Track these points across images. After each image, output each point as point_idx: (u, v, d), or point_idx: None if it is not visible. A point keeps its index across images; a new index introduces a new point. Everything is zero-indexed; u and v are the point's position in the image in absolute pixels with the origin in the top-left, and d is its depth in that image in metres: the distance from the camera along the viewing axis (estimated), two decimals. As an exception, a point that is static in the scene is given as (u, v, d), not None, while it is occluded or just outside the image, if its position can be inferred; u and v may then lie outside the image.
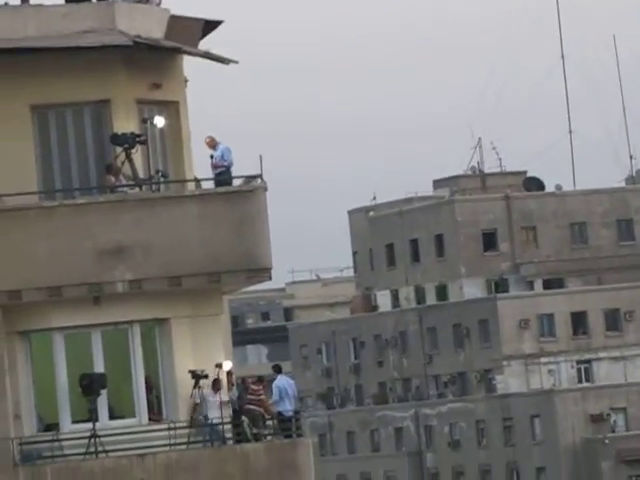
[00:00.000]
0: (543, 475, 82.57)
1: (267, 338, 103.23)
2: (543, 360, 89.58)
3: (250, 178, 17.55)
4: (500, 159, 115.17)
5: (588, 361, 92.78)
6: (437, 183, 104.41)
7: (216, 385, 17.47)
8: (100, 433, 15.98)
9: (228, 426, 17.13)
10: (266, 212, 17.51)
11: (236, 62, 19.33)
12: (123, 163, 16.85)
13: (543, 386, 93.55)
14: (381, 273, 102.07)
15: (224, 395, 17.10)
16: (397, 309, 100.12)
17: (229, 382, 18.08)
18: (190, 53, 18.53)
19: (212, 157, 18.48)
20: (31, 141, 16.71)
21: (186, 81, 19.61)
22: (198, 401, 16.42)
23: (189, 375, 16.79)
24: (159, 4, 19.02)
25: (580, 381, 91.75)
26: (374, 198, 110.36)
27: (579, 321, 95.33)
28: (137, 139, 16.69)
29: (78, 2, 17.86)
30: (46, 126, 17.23)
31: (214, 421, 16.67)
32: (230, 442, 17.02)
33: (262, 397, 19.26)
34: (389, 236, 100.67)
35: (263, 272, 17.65)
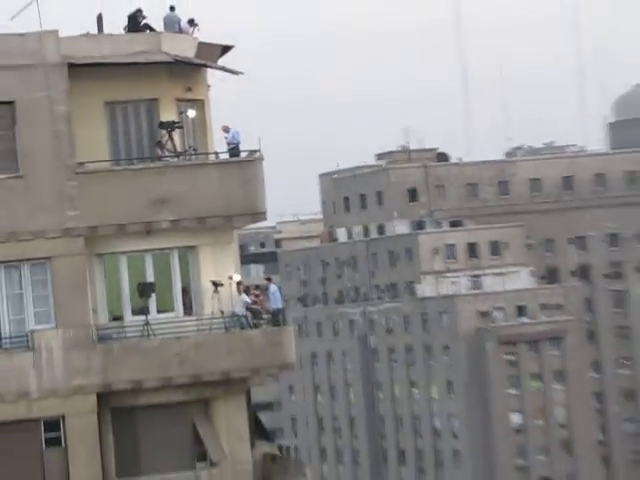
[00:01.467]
0: (448, 351, 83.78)
1: (264, 260, 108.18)
2: (448, 275, 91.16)
3: (252, 152, 17.38)
4: (421, 139, 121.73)
5: (478, 276, 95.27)
6: (379, 156, 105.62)
7: (239, 290, 17.68)
8: (151, 322, 16.15)
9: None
10: (263, 174, 17.45)
11: (242, 73, 18.99)
12: (167, 141, 16.67)
13: (448, 292, 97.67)
14: (340, 216, 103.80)
15: (245, 298, 17.33)
16: (351, 240, 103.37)
17: (238, 289, 18.01)
18: (212, 67, 18.27)
19: (226, 138, 18.15)
20: (105, 126, 16.50)
21: (209, 86, 19.31)
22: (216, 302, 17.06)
23: (210, 284, 16.92)
24: (192, 33, 18.61)
25: (473, 289, 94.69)
26: (337, 165, 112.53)
27: (472, 249, 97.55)
28: (176, 125, 16.63)
29: (136, 32, 17.74)
30: (115, 116, 16.98)
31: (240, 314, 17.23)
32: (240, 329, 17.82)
33: (260, 299, 19.26)
34: (346, 191, 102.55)
35: (260, 215, 17.78)
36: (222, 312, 17.73)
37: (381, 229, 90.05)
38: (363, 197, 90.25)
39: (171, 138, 17.27)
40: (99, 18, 19.22)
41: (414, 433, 74.78)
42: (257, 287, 22.15)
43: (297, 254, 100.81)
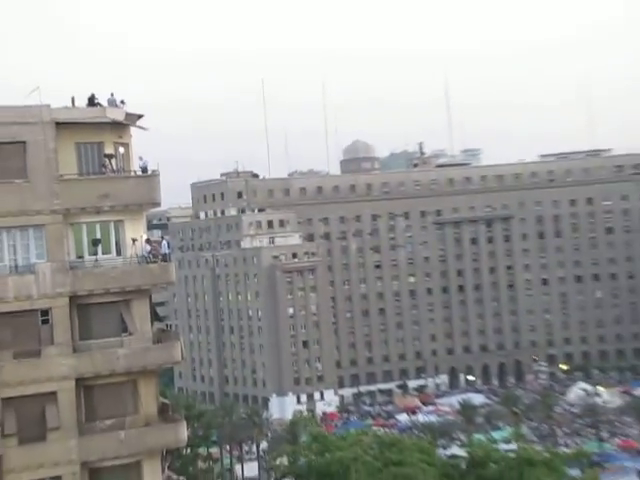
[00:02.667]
0: (258, 276, 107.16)
1: (160, 228, 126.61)
2: (257, 237, 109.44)
3: (153, 171, 25.80)
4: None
5: (273, 238, 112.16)
6: (222, 174, 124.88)
7: (148, 242, 26.17)
8: (98, 259, 24.56)
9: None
10: (159, 183, 25.91)
11: (147, 129, 27.97)
12: (108, 164, 24.71)
13: (257, 245, 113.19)
14: (201, 205, 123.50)
15: (148, 247, 25.36)
16: (206, 218, 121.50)
17: (146, 242, 25.94)
18: (131, 125, 25.80)
19: (140, 161, 25.94)
20: (75, 155, 24.83)
21: (131, 135, 26.78)
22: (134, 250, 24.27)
23: (130, 239, 25.04)
24: (123, 107, 25.96)
25: (270, 244, 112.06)
26: (199, 178, 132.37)
27: (270, 224, 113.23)
28: (112, 156, 24.93)
29: (93, 106, 25.42)
30: (80, 150, 24.91)
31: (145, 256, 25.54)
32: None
33: (156, 247, 27.55)
34: (204, 192, 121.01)
35: (157, 204, 26.46)
36: (136, 254, 25.92)
37: (222, 212, 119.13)
38: (213, 195, 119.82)
39: (110, 163, 25.41)
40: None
41: (238, 317, 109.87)
42: (155, 241, 30.83)
43: (178, 225, 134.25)
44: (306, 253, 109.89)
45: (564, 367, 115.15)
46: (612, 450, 78.62)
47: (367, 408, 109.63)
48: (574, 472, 51.67)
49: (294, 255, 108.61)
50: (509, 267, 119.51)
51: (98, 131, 25.92)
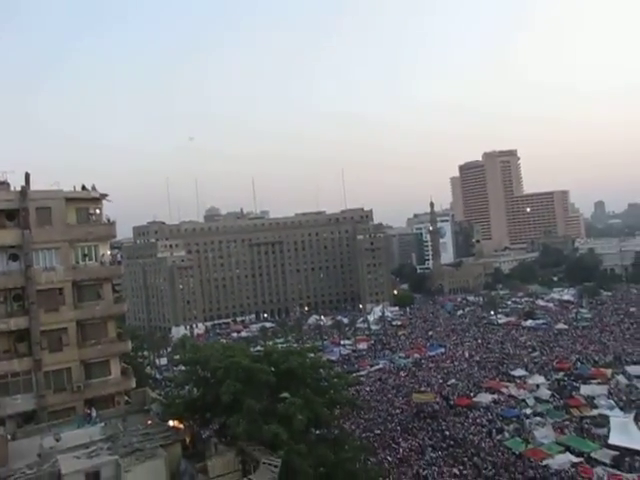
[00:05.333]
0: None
1: (118, 247, 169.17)
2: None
3: (112, 222, 39.83)
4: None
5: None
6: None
7: (111, 255, 40.73)
8: None
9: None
10: (115, 226, 40.61)
11: (108, 197, 39.34)
12: (91, 218, 39.43)
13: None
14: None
15: None
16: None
17: (110, 255, 40.47)
18: (103, 199, 39.56)
19: (106, 218, 39.16)
20: (75, 216, 38.01)
21: (102, 204, 39.36)
22: None
23: (101, 254, 38.72)
24: (97, 191, 38.10)
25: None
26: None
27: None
28: (93, 214, 39.60)
29: (84, 190, 38.68)
30: (78, 212, 38.55)
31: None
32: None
33: (115, 257, 41.17)
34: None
35: (114, 237, 41.47)
36: (105, 261, 39.59)
37: (148, 240, 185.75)
38: (144, 232, 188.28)
39: (92, 217, 38.04)
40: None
41: (156, 290, 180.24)
42: (114, 254, 42.43)
43: (127, 246, 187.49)
44: (189, 259, 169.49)
45: (307, 308, 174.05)
46: (328, 345, 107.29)
47: (218, 331, 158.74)
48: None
49: (182, 260, 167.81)
50: (282, 264, 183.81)
51: (86, 202, 37.25)
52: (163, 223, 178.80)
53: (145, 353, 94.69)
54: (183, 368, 34.52)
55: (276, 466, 21.28)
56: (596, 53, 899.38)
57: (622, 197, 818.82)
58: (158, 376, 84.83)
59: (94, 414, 31.73)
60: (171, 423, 26.63)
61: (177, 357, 62.59)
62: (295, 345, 55.84)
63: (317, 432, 30.31)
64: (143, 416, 30.72)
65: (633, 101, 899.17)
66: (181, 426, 26.00)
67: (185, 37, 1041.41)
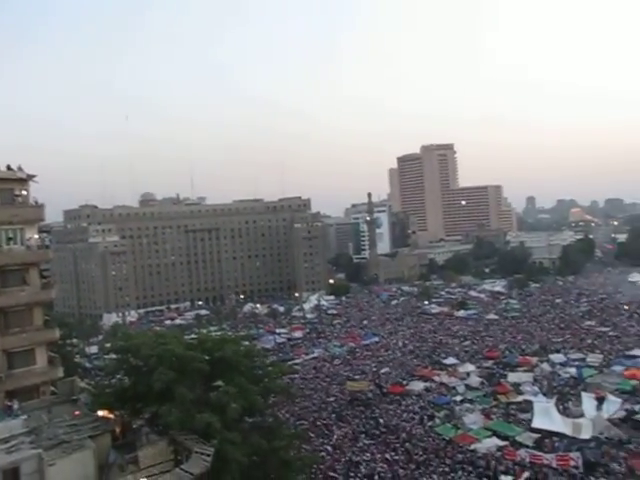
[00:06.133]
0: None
1: (47, 231, 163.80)
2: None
3: (40, 204, 38.39)
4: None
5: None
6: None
7: (39, 239, 38.96)
8: None
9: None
10: (44, 209, 38.64)
11: (37, 182, 37.10)
12: (17, 199, 37.34)
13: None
14: None
15: None
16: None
17: (38, 238, 39.17)
18: (29, 179, 37.92)
19: (33, 200, 37.46)
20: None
21: (29, 185, 37.48)
22: None
23: (27, 238, 37.47)
24: (23, 171, 36.98)
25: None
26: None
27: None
28: (19, 195, 37.78)
29: (10, 170, 37.22)
30: (2, 193, 36.89)
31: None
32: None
33: (43, 241, 40.47)
34: None
35: (43, 220, 38.73)
36: (31, 245, 38.65)
37: (79, 224, 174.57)
38: (76, 216, 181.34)
39: (18, 199, 36.30)
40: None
41: (87, 276, 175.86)
42: (43, 238, 40.72)
43: (57, 230, 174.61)
44: (122, 245, 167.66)
45: (242, 296, 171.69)
46: (263, 333, 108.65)
47: (151, 318, 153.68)
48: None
49: (115, 245, 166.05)
50: (218, 252, 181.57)
51: (11, 183, 36.27)
52: (95, 207, 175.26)
53: (75, 341, 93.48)
54: (114, 356, 33.44)
55: (209, 455, 21.12)
56: (533, 52, 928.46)
57: (552, 193, 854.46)
58: (88, 365, 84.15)
59: (16, 406, 30.39)
60: (100, 413, 25.84)
61: (108, 345, 61.48)
62: (230, 333, 56.08)
63: (251, 420, 30.21)
64: (70, 407, 29.62)
65: (565, 102, 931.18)
66: (111, 416, 25.35)
67: (122, 15, 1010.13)
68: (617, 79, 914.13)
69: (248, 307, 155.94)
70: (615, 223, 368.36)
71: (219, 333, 49.99)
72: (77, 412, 27.37)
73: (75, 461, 21.12)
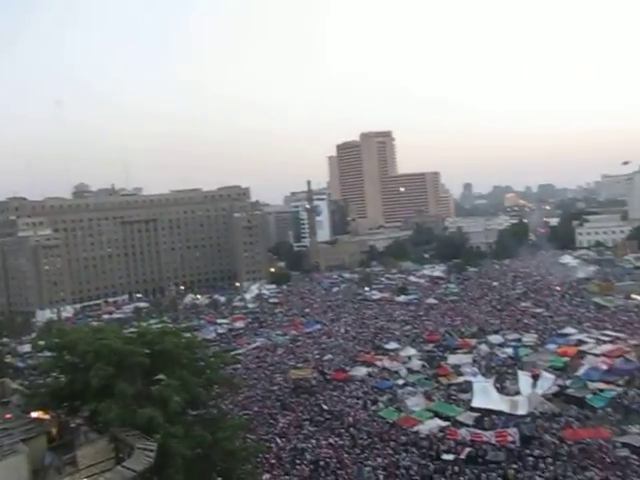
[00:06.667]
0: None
1: None
2: None
3: None
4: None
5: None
6: None
7: None
8: None
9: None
10: None
11: None
12: None
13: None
14: None
15: None
16: None
17: None
18: None
19: None
20: None
21: None
22: None
23: None
24: None
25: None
26: None
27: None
28: None
29: None
30: None
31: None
32: None
33: None
34: None
35: None
36: None
37: (7, 218, 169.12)
38: (4, 209, 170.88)
39: None
40: None
41: (17, 271, 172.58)
42: None
43: None
44: (55, 238, 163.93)
45: (182, 287, 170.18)
46: (205, 324, 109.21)
47: (88, 313, 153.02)
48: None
49: (47, 239, 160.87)
50: (156, 243, 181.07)
51: None
52: (24, 199, 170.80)
53: (5, 340, 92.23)
54: (48, 354, 32.39)
55: (152, 451, 20.75)
56: (475, 35, 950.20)
57: (488, 179, 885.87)
58: (20, 365, 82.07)
59: None
60: (34, 414, 24.97)
61: (42, 343, 59.61)
62: (170, 325, 55.98)
63: (194, 413, 29.95)
64: (1, 410, 28.98)
65: (503, 91, 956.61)
66: (46, 417, 24.51)
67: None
68: (548, 69, 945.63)
69: (189, 298, 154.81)
70: (547, 208, 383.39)
71: (159, 325, 49.52)
72: (8, 415, 26.36)
73: (6, 467, 20.26)
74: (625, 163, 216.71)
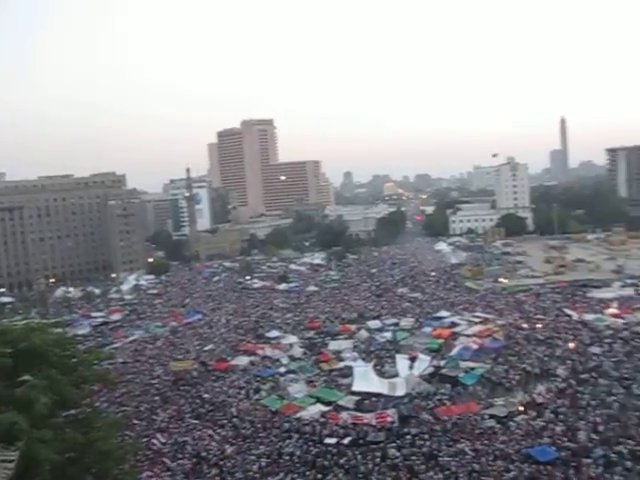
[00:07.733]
0: None
1: None
2: None
3: None
4: None
5: None
6: None
7: None
8: None
9: None
10: None
11: None
12: None
13: None
14: None
15: None
16: None
17: None
18: None
19: None
20: None
21: None
22: None
23: None
24: None
25: None
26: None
27: None
28: None
29: None
30: None
31: None
32: None
33: None
34: None
35: None
36: None
37: None
38: None
39: None
40: None
41: None
42: None
43: None
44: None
45: (53, 280, 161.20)
46: (78, 318, 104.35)
47: None
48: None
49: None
50: (22, 232, 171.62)
51: None
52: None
53: None
54: None
55: (11, 461, 18.79)
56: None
57: (368, 168, 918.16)
58: None
59: None
60: None
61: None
62: (37, 321, 52.34)
63: (65, 414, 27.88)
64: None
65: (384, 87, 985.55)
66: None
67: None
68: (428, 69, 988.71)
69: (60, 291, 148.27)
70: (424, 197, 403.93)
71: (26, 322, 46.33)
72: None
73: None
74: (494, 156, 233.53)
